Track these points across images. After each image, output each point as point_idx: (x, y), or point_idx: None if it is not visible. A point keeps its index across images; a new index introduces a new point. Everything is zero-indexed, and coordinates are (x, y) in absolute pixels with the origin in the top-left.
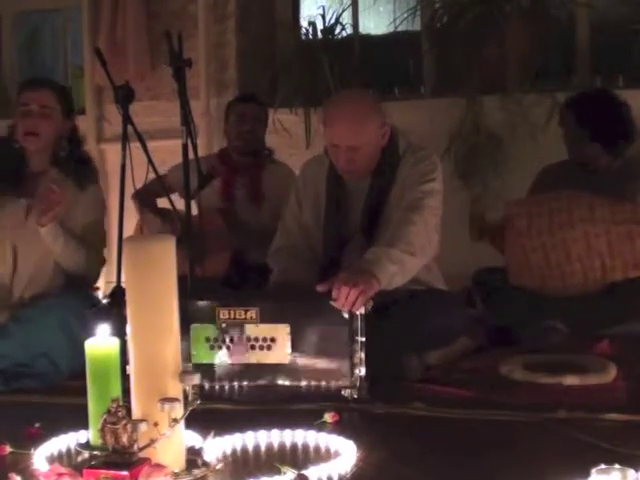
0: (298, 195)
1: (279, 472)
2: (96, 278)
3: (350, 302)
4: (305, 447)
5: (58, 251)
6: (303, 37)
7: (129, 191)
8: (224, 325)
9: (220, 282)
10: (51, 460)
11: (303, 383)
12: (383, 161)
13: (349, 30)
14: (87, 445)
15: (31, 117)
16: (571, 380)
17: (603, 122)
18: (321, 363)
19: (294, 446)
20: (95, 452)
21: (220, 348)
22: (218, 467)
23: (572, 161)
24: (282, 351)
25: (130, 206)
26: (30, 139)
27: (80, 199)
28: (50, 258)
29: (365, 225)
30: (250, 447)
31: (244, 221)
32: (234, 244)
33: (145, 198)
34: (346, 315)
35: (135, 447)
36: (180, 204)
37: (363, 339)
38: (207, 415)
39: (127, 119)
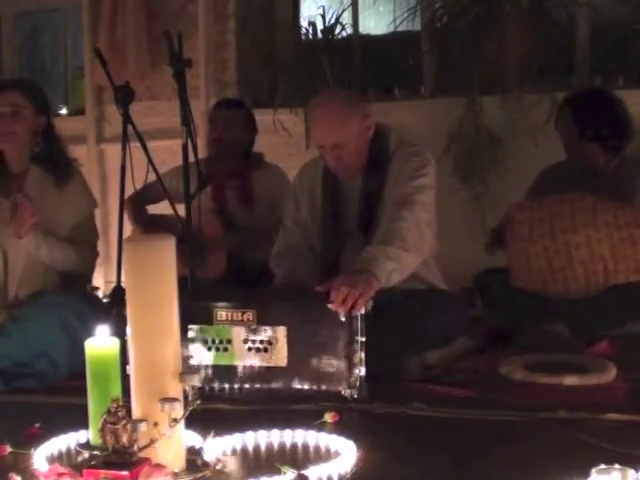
0: (296, 197)
1: (279, 472)
2: (91, 273)
3: (348, 304)
4: (305, 447)
5: (44, 257)
6: (303, 37)
7: (129, 191)
8: (221, 326)
9: (219, 282)
10: (51, 460)
11: (302, 384)
12: (373, 158)
13: (349, 30)
14: (87, 445)
15: (2, 119)
16: (571, 380)
17: (599, 121)
18: (320, 364)
19: (294, 446)
20: (95, 452)
21: (218, 349)
22: (218, 467)
23: (570, 162)
24: (280, 353)
25: None
26: (5, 139)
27: (63, 199)
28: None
29: (362, 224)
30: (250, 447)
31: (236, 223)
32: (229, 245)
33: (136, 208)
34: (343, 318)
35: (135, 447)
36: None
37: (363, 339)
38: (207, 415)
39: (127, 119)
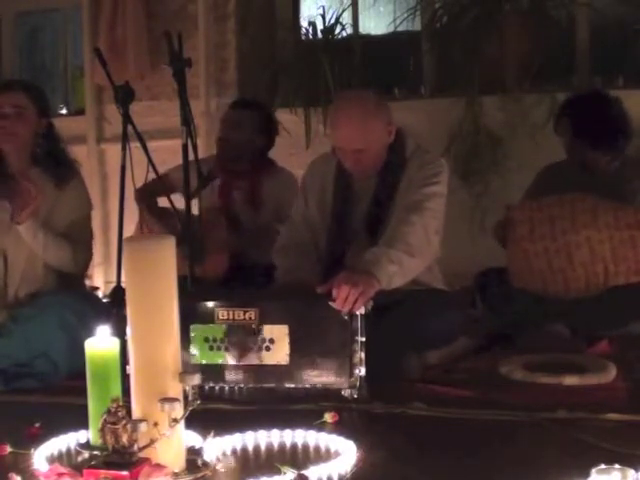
0: (305, 192)
1: (279, 472)
2: (83, 273)
3: (350, 303)
4: (305, 447)
5: (39, 248)
6: (303, 37)
7: (129, 191)
8: (223, 326)
9: (220, 282)
10: (51, 460)
11: (303, 384)
12: (389, 161)
13: (349, 30)
14: (87, 445)
15: (6, 119)
16: (571, 380)
17: (598, 124)
18: (321, 363)
19: (294, 446)
20: (95, 452)
21: (219, 349)
22: (218, 467)
23: (571, 163)
24: (281, 352)
25: (130, 206)
26: (7, 139)
27: (61, 198)
28: (39, 256)
29: (369, 225)
30: (250, 447)
31: (241, 223)
32: (233, 245)
33: (147, 196)
34: (345, 316)
35: (135, 447)
36: (181, 204)
37: (363, 339)
38: (207, 415)
39: (127, 119)
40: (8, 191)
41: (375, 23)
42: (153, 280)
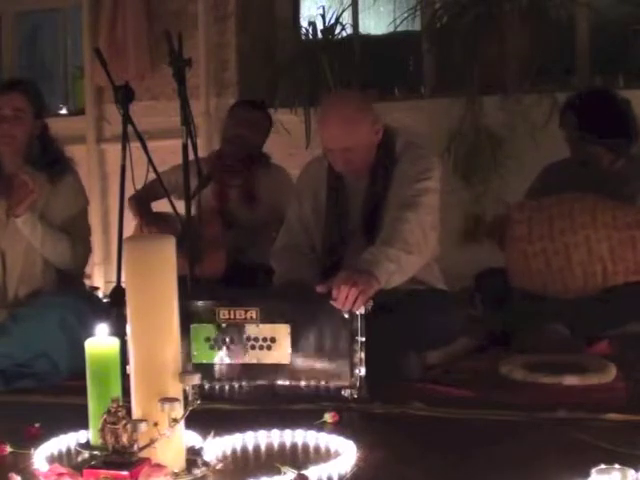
0: (299, 194)
1: (279, 472)
2: (82, 269)
3: (350, 302)
4: (305, 447)
5: (37, 242)
6: (303, 37)
7: (129, 191)
8: (224, 325)
9: (220, 282)
10: (51, 460)
11: (303, 383)
12: (380, 160)
13: (349, 30)
14: (87, 445)
15: (4, 122)
16: (571, 380)
17: (604, 121)
18: (321, 363)
19: (294, 446)
20: (95, 452)
21: (220, 348)
22: (218, 467)
23: (574, 161)
24: (282, 351)
25: None
26: (5, 142)
27: (55, 193)
28: (37, 254)
29: (365, 225)
30: (250, 447)
31: (237, 221)
32: (230, 242)
33: (141, 204)
34: (346, 315)
35: (135, 447)
36: (178, 205)
37: (363, 339)
38: (207, 415)
39: (127, 119)
40: (4, 189)
41: (375, 23)
42: (153, 280)
